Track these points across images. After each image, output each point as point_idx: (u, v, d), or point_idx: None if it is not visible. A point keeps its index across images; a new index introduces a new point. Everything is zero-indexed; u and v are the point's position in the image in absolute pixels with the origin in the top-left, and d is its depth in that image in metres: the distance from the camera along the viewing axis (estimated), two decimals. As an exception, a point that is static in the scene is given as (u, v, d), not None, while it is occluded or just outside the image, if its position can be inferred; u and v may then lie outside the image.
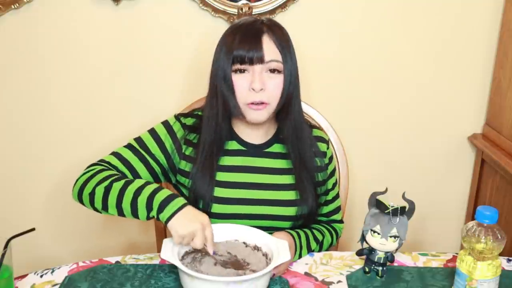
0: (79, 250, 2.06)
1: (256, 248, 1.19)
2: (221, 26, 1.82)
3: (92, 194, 1.20)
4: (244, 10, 1.82)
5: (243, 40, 1.23)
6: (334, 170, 1.43)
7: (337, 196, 1.45)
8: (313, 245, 1.32)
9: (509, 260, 1.29)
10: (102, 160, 1.29)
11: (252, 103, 1.24)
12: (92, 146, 1.93)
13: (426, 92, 1.98)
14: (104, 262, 1.23)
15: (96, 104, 1.92)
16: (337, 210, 1.46)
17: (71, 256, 2.02)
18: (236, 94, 1.25)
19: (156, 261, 1.24)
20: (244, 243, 1.20)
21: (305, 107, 1.58)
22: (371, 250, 1.20)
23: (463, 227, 1.08)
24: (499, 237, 1.04)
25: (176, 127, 1.33)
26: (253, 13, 1.83)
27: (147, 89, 1.91)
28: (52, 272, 1.19)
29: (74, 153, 1.94)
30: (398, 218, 1.16)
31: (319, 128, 1.47)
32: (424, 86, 1.98)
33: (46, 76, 1.88)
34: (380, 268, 1.19)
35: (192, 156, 1.31)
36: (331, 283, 1.18)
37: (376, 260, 1.19)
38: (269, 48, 1.23)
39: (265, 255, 1.17)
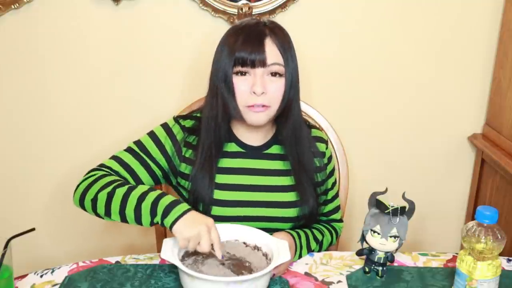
0: (79, 250, 2.06)
1: (256, 248, 1.19)
2: (221, 26, 1.83)
3: (94, 200, 1.19)
4: (244, 10, 1.82)
5: (246, 42, 1.22)
6: (333, 170, 1.43)
7: (336, 196, 1.45)
8: (313, 245, 1.32)
9: (509, 260, 1.29)
10: (102, 165, 1.28)
11: (253, 106, 1.24)
12: (92, 146, 1.93)
13: (426, 92, 1.99)
14: (104, 262, 1.23)
15: (96, 104, 1.92)
16: (337, 209, 1.46)
17: (71, 256, 2.02)
18: (236, 96, 1.24)
19: (156, 261, 1.24)
20: (244, 243, 1.20)
21: (305, 107, 1.59)
22: (371, 250, 1.20)
23: (463, 227, 1.08)
24: (499, 237, 1.04)
25: (176, 129, 1.33)
26: (253, 13, 1.83)
27: (147, 89, 1.91)
28: (52, 272, 1.19)
29: (74, 153, 1.95)
30: (398, 218, 1.16)
31: (318, 128, 1.47)
32: (424, 86, 1.98)
33: (46, 76, 1.88)
34: (380, 268, 1.19)
35: (192, 158, 1.30)
36: (331, 283, 1.18)
37: (376, 260, 1.19)
38: (271, 51, 1.23)
39: (265, 255, 1.17)
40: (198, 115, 1.35)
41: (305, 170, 1.33)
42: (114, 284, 1.14)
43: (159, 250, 1.29)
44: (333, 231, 1.42)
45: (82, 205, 1.23)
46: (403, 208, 1.17)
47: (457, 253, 1.24)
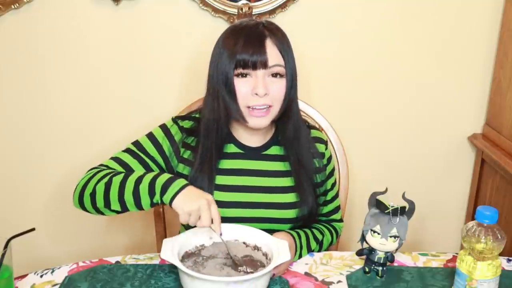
0: (79, 250, 2.06)
1: (256, 248, 1.19)
2: (221, 26, 1.81)
3: (93, 194, 1.20)
4: (244, 10, 1.82)
5: (246, 44, 1.22)
6: (333, 170, 1.43)
7: (336, 196, 1.45)
8: (313, 244, 1.32)
9: (509, 260, 1.29)
10: (101, 165, 1.29)
11: (255, 108, 1.24)
12: (92, 146, 1.93)
13: (426, 92, 1.98)
14: (104, 262, 1.23)
15: (96, 104, 1.92)
16: (337, 209, 1.46)
17: (71, 256, 2.02)
18: (238, 98, 1.24)
19: (156, 261, 1.24)
20: (244, 243, 1.21)
21: (305, 107, 1.59)
22: (371, 250, 1.20)
23: (463, 227, 1.08)
24: (499, 237, 1.04)
25: (174, 130, 1.33)
26: (253, 13, 1.83)
27: (147, 89, 1.91)
28: (52, 272, 1.19)
29: (74, 153, 1.95)
30: (398, 218, 1.16)
31: (318, 128, 1.46)
32: (424, 86, 1.98)
33: (46, 76, 1.88)
34: (380, 268, 1.19)
35: (190, 159, 1.30)
36: (331, 283, 1.18)
37: (376, 260, 1.19)
38: (272, 52, 1.23)
39: (265, 255, 1.17)
40: (197, 115, 1.35)
41: (304, 171, 1.33)
42: (114, 284, 1.14)
43: (159, 250, 1.29)
44: (333, 231, 1.42)
45: (81, 203, 1.23)
46: (403, 208, 1.17)
47: (457, 253, 1.24)
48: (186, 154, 1.31)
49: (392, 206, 1.16)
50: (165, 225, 1.61)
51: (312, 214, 1.33)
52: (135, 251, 2.02)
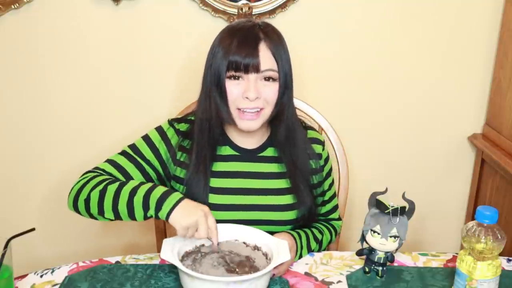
0: (79, 250, 2.06)
1: (256, 248, 1.19)
2: (221, 26, 1.79)
3: (87, 200, 1.19)
4: (244, 10, 1.82)
5: (240, 46, 1.21)
6: (330, 171, 1.42)
7: (333, 196, 1.45)
8: (313, 244, 1.32)
9: (509, 260, 1.29)
10: (96, 168, 1.28)
11: (245, 111, 1.23)
12: (92, 146, 1.93)
13: (426, 92, 1.98)
14: (104, 262, 1.23)
15: (96, 104, 1.92)
16: (335, 209, 1.46)
17: (71, 256, 2.02)
18: (229, 100, 1.24)
19: (156, 261, 1.24)
20: (244, 243, 1.21)
21: (305, 107, 1.59)
22: (371, 250, 1.20)
23: (463, 227, 1.08)
24: (499, 237, 1.04)
25: (170, 133, 1.32)
26: (253, 13, 1.83)
27: (147, 89, 1.91)
28: (52, 272, 1.19)
29: (74, 153, 1.95)
30: (398, 218, 1.16)
31: (315, 129, 1.45)
32: (424, 86, 1.98)
33: (46, 76, 1.88)
34: (380, 268, 1.19)
35: (186, 162, 1.30)
36: (331, 283, 1.18)
37: (376, 260, 1.19)
38: (265, 56, 1.21)
39: (265, 255, 1.17)
40: (192, 118, 1.34)
41: (300, 172, 1.32)
42: (114, 284, 1.14)
43: (159, 250, 1.29)
44: (332, 230, 1.42)
45: (76, 207, 1.22)
46: (403, 208, 1.17)
47: (457, 253, 1.24)
48: (183, 157, 1.30)
49: (392, 206, 1.16)
50: (165, 225, 1.61)
51: (311, 215, 1.33)
52: (135, 251, 2.02)
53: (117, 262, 1.23)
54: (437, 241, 2.12)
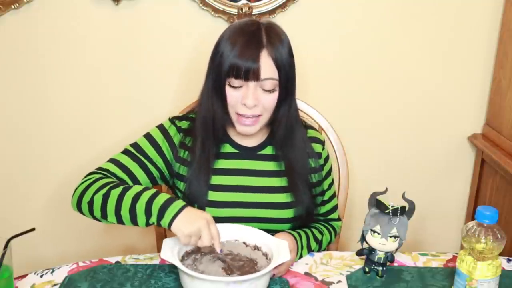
0: (79, 250, 2.06)
1: (256, 248, 1.19)
2: (221, 26, 1.80)
3: (90, 203, 1.19)
4: (244, 10, 1.82)
5: (242, 53, 1.19)
6: (330, 170, 1.43)
7: (333, 196, 1.45)
8: (313, 244, 1.32)
9: (509, 260, 1.29)
10: (100, 168, 1.28)
11: (243, 116, 1.23)
12: (93, 146, 1.93)
13: (426, 92, 1.98)
14: (104, 262, 1.23)
15: (96, 104, 1.92)
16: (334, 209, 1.46)
17: (71, 256, 2.02)
18: (228, 104, 1.24)
19: (156, 261, 1.24)
20: (244, 243, 1.21)
21: (305, 107, 1.59)
22: (371, 250, 1.20)
23: (463, 227, 1.08)
24: (499, 237, 1.04)
25: (172, 131, 1.33)
26: (253, 13, 1.83)
27: (147, 89, 1.91)
28: (52, 272, 1.19)
29: (74, 153, 1.94)
30: (398, 218, 1.16)
31: (315, 128, 1.45)
32: (424, 86, 1.98)
33: (46, 76, 1.88)
34: (380, 268, 1.19)
35: (187, 159, 1.30)
36: (331, 283, 1.18)
37: (376, 260, 1.19)
38: (266, 64, 1.20)
39: (265, 255, 1.17)
40: (193, 116, 1.34)
41: (299, 171, 1.32)
42: (114, 284, 1.14)
43: (159, 250, 1.29)
44: (332, 230, 1.42)
45: (79, 208, 1.22)
46: (403, 208, 1.17)
47: (457, 253, 1.24)
48: (184, 155, 1.31)
49: (392, 206, 1.16)
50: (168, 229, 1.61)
51: (309, 214, 1.33)
52: (135, 251, 2.02)
53: (117, 262, 1.23)
54: (437, 241, 2.12)
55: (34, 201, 2.00)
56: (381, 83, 1.96)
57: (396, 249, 1.19)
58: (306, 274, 1.21)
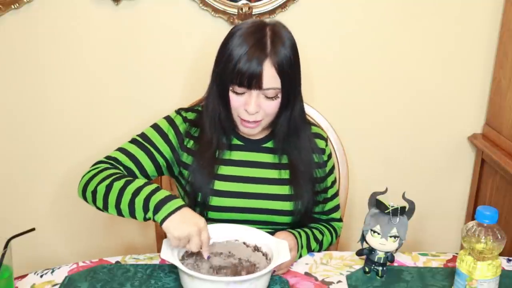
0: (79, 250, 2.06)
1: (256, 248, 1.19)
2: (221, 26, 1.83)
3: (94, 193, 1.20)
4: (244, 10, 1.82)
5: (245, 61, 1.19)
6: (332, 168, 1.44)
7: (336, 195, 1.45)
8: (313, 244, 1.32)
9: (509, 260, 1.29)
10: (108, 157, 1.30)
11: (245, 120, 1.26)
12: (93, 146, 1.93)
13: (426, 92, 1.98)
14: (104, 262, 1.23)
15: (96, 104, 1.92)
16: (336, 208, 1.46)
17: (71, 256, 2.02)
18: (231, 107, 1.26)
19: (156, 261, 1.24)
20: (244, 243, 1.21)
21: (305, 107, 1.58)
22: (371, 250, 1.20)
23: (463, 227, 1.08)
24: (499, 237, 1.04)
25: (178, 120, 1.35)
26: (253, 13, 1.83)
27: (147, 89, 1.91)
28: (52, 272, 1.19)
29: (75, 153, 1.94)
30: (398, 218, 1.16)
31: (318, 125, 1.47)
32: (424, 86, 1.98)
33: (46, 76, 1.88)
34: (380, 268, 1.19)
35: (193, 149, 1.32)
36: (331, 283, 1.18)
37: (376, 260, 1.19)
38: (269, 74, 1.21)
39: (265, 255, 1.17)
40: (200, 108, 1.37)
41: (302, 166, 1.33)
42: (114, 284, 1.14)
43: (159, 250, 1.29)
44: (332, 231, 1.42)
45: (84, 197, 1.24)
46: (403, 208, 1.17)
47: (457, 253, 1.24)
48: (190, 144, 1.33)
49: (392, 206, 1.16)
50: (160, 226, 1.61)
51: (307, 209, 1.33)
52: (135, 251, 2.02)
53: (117, 262, 1.23)
54: (437, 241, 2.12)
55: (35, 201, 2.00)
56: (381, 83, 1.96)
57: (396, 249, 1.19)
58: (306, 274, 1.21)
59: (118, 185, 1.18)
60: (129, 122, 1.91)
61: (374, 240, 1.17)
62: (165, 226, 1.10)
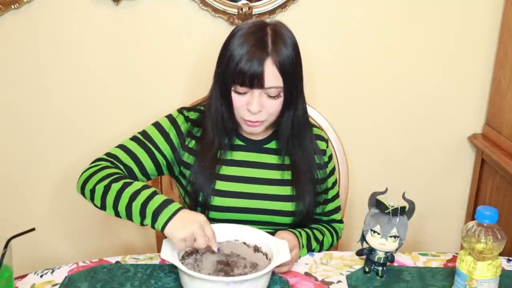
0: (79, 250, 2.06)
1: (256, 248, 1.19)
2: (221, 26, 1.83)
3: (92, 191, 1.20)
4: (244, 10, 1.82)
5: (247, 61, 1.20)
6: (333, 169, 1.44)
7: (336, 196, 1.45)
8: (314, 244, 1.32)
9: (509, 260, 1.29)
10: (108, 154, 1.30)
11: (248, 120, 1.26)
12: (93, 146, 1.93)
13: (426, 92, 1.98)
14: (104, 262, 1.23)
15: (96, 104, 1.92)
16: (337, 209, 1.46)
17: (71, 256, 2.02)
18: (234, 107, 1.26)
19: (156, 261, 1.24)
20: (244, 243, 1.21)
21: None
22: (371, 250, 1.20)
23: (463, 227, 1.08)
24: (499, 237, 1.04)
25: (180, 120, 1.35)
26: (253, 13, 1.83)
27: (147, 89, 1.91)
28: (52, 272, 1.19)
29: (74, 153, 1.94)
30: (398, 218, 1.16)
31: (318, 127, 1.48)
32: (424, 86, 1.98)
33: (46, 76, 1.88)
34: (380, 268, 1.19)
35: (195, 149, 1.32)
36: (331, 283, 1.18)
37: (376, 260, 1.19)
38: (271, 73, 1.21)
39: (265, 255, 1.17)
40: (202, 108, 1.36)
41: (305, 170, 1.33)
42: (114, 284, 1.14)
43: (159, 250, 1.29)
44: (333, 232, 1.42)
45: (83, 193, 1.24)
46: (403, 208, 1.17)
47: (457, 253, 1.24)
48: (191, 144, 1.33)
49: (392, 206, 1.16)
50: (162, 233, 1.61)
51: (309, 210, 1.33)
52: (135, 251, 2.02)
53: (117, 262, 1.23)
54: (437, 241, 2.12)
55: (34, 200, 2.00)
56: (381, 83, 1.96)
57: (396, 249, 1.19)
58: (306, 274, 1.21)
59: (116, 187, 1.17)
60: (129, 122, 1.91)
61: (374, 240, 1.17)
62: (167, 232, 1.10)
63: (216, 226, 1.19)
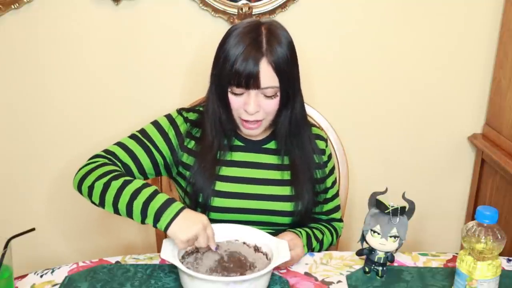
0: (79, 250, 2.06)
1: (256, 248, 1.19)
2: (221, 26, 1.83)
3: (91, 188, 1.20)
4: (244, 10, 1.82)
5: (242, 62, 1.20)
6: (333, 168, 1.44)
7: (336, 195, 1.45)
8: (314, 243, 1.33)
9: (509, 260, 1.29)
10: (106, 151, 1.30)
11: (246, 121, 1.26)
12: (93, 146, 1.91)
13: (426, 92, 1.99)
14: (104, 262, 1.23)
15: (96, 104, 1.92)
16: (337, 209, 1.46)
17: (71, 256, 2.02)
18: (232, 108, 1.26)
19: (156, 261, 1.24)
20: (244, 243, 1.21)
21: (305, 107, 1.58)
22: (371, 250, 1.20)
23: (463, 227, 1.08)
24: (499, 237, 1.04)
25: (179, 120, 1.35)
26: (253, 13, 1.83)
27: (147, 89, 1.91)
28: (52, 272, 1.19)
29: (74, 153, 1.94)
30: (398, 218, 1.16)
31: (318, 127, 1.48)
32: (424, 86, 1.98)
33: (46, 76, 1.88)
34: (380, 268, 1.19)
35: (194, 149, 1.32)
36: (331, 283, 1.18)
37: (376, 260, 1.19)
38: (266, 73, 1.21)
39: (265, 255, 1.17)
40: (201, 109, 1.36)
41: (304, 169, 1.33)
42: (114, 284, 1.14)
43: (159, 250, 1.29)
44: (333, 231, 1.42)
45: (80, 190, 1.23)
46: (403, 208, 1.17)
47: (457, 253, 1.24)
48: (191, 145, 1.33)
49: (392, 206, 1.16)
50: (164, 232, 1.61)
51: (308, 210, 1.33)
52: (135, 251, 2.02)
53: (117, 262, 1.23)
54: (437, 241, 2.12)
55: (34, 201, 2.00)
56: (381, 83, 1.97)
57: (396, 249, 1.19)
58: (306, 274, 1.21)
59: (116, 184, 1.17)
60: (130, 122, 1.91)
61: (374, 240, 1.17)
62: (170, 232, 1.10)
63: (217, 226, 1.19)
